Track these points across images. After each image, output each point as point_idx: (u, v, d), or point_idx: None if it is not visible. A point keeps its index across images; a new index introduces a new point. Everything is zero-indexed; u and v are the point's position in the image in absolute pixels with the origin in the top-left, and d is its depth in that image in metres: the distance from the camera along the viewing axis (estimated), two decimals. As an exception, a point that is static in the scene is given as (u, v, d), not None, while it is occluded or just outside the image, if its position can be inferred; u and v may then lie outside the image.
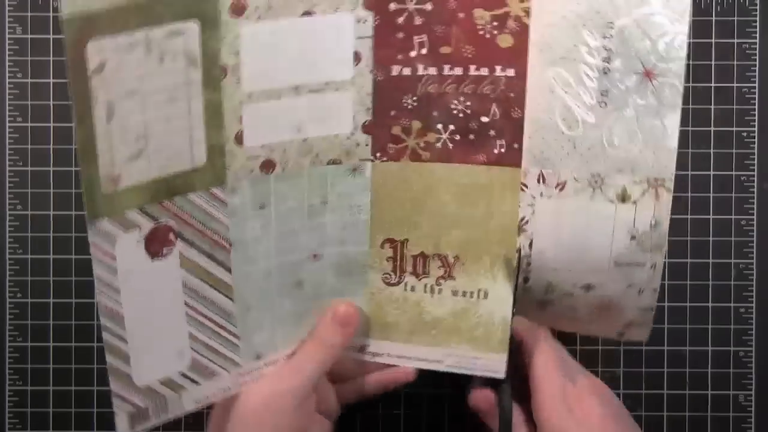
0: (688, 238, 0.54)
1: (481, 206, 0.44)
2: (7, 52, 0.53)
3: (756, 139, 0.53)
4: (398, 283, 0.46)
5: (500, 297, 0.45)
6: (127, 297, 0.40)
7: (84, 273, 0.53)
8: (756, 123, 0.53)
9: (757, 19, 0.53)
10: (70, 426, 0.54)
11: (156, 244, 0.40)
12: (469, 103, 0.43)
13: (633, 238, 0.43)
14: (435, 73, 0.43)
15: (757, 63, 0.53)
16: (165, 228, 0.40)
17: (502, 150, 0.43)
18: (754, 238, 0.54)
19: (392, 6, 0.42)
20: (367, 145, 0.44)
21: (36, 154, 0.53)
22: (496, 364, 0.45)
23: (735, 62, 0.53)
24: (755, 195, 0.54)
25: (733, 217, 0.54)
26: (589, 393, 0.44)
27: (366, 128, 0.44)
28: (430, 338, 0.46)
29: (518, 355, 0.46)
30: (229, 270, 0.43)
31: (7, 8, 0.53)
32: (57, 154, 0.53)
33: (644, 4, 0.41)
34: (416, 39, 0.42)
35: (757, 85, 0.53)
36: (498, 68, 0.42)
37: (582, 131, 0.42)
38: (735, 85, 0.53)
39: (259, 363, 0.45)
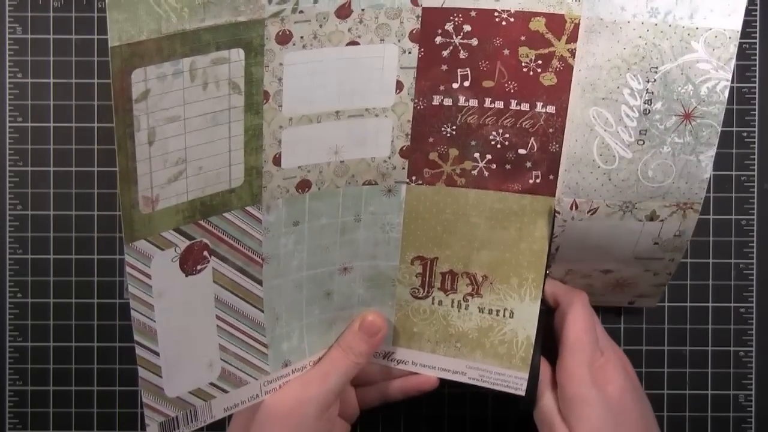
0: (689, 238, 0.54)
1: (512, 230, 0.45)
2: (7, 52, 0.53)
3: (756, 139, 0.53)
4: (426, 296, 0.47)
5: (526, 317, 0.46)
6: (160, 313, 0.41)
7: (84, 273, 0.53)
8: (756, 123, 0.53)
9: (757, 19, 0.53)
10: (70, 426, 0.54)
11: (190, 261, 0.41)
12: (507, 136, 0.44)
13: (656, 243, 0.45)
14: (476, 105, 0.43)
15: (757, 63, 0.53)
16: (200, 246, 0.41)
17: (537, 180, 0.44)
18: (754, 238, 0.54)
19: (438, 39, 0.42)
20: (403, 168, 0.45)
21: (36, 154, 0.53)
22: (517, 381, 0.46)
23: (735, 62, 0.53)
24: (755, 195, 0.54)
25: (733, 217, 0.54)
26: (614, 365, 0.44)
27: (403, 153, 0.44)
28: (454, 350, 0.47)
29: (551, 314, 0.47)
30: (260, 283, 0.44)
31: (7, 8, 0.53)
32: (57, 154, 0.53)
33: (689, 51, 0.41)
34: (459, 72, 0.43)
35: (757, 85, 0.53)
36: (539, 104, 0.43)
37: (618, 165, 0.43)
38: (735, 85, 0.53)
39: (287, 370, 0.45)
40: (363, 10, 0.40)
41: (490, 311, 0.47)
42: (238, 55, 0.39)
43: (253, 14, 0.38)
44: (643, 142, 0.42)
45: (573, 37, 0.41)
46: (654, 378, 0.54)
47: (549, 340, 0.47)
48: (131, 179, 0.38)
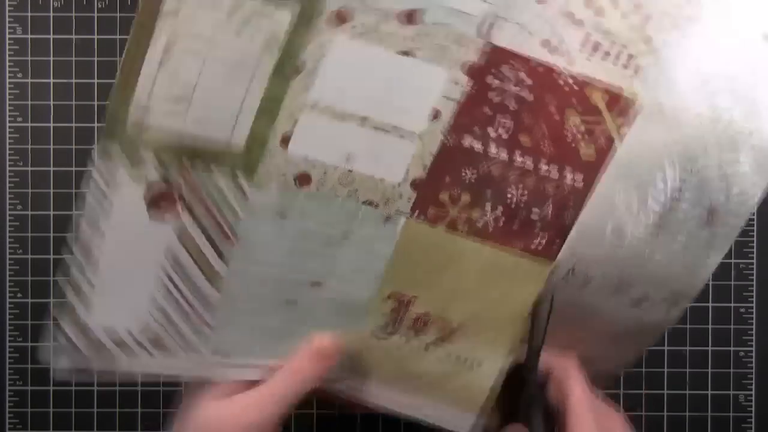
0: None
1: (500, 288, 0.43)
2: (7, 52, 0.53)
3: (756, 139, 0.54)
4: (393, 333, 0.45)
5: (494, 368, 0.44)
6: (109, 245, 0.39)
7: (84, 273, 0.53)
8: (756, 123, 0.53)
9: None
10: (70, 426, 0.54)
11: (161, 206, 0.39)
12: (526, 195, 0.42)
13: (637, 327, 0.44)
14: (505, 158, 0.41)
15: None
16: (175, 194, 0.39)
17: (542, 243, 0.42)
18: (754, 239, 0.54)
19: (492, 81, 0.40)
20: (410, 200, 0.42)
21: (36, 154, 0.53)
22: (463, 422, 0.45)
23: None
24: (755, 195, 0.54)
25: (733, 217, 0.54)
26: (621, 428, 0.44)
27: (415, 184, 0.42)
28: (412, 387, 0.45)
29: (545, 385, 0.46)
30: (226, 262, 0.41)
31: (7, 8, 0.53)
32: (57, 154, 0.53)
33: (734, 154, 0.40)
34: (501, 119, 0.41)
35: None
36: (569, 174, 0.41)
37: (628, 243, 0.42)
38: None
39: (225, 360, 0.43)
40: (431, 23, 0.38)
41: (458, 358, 0.45)
42: (287, 14, 0.37)
43: None
44: (661, 229, 0.41)
45: (625, 116, 0.40)
46: (654, 378, 0.54)
47: (546, 408, 0.46)
48: (128, 90, 0.36)
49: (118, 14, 0.53)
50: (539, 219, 0.42)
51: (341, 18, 0.37)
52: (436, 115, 0.41)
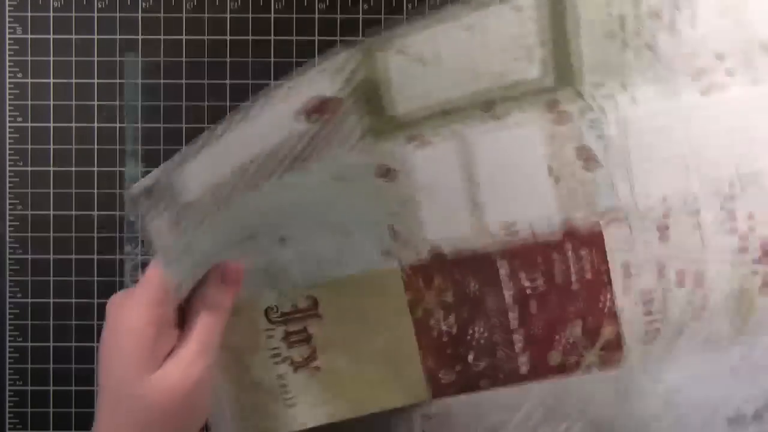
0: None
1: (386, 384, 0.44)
2: (7, 52, 0.53)
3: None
4: (274, 323, 0.44)
5: (301, 421, 0.44)
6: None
7: (84, 273, 0.53)
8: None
9: (757, 19, 0.53)
10: (70, 426, 0.54)
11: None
12: (484, 336, 0.43)
13: None
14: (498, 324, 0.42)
15: (757, 63, 0.53)
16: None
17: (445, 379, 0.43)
18: (754, 238, 0.54)
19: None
20: (419, 259, 0.42)
21: (36, 154, 0.53)
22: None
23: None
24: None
25: (732, 217, 0.54)
26: None
27: (434, 253, 0.42)
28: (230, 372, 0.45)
29: None
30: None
31: (7, 8, 0.53)
32: (57, 154, 0.53)
33: None
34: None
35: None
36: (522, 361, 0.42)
37: None
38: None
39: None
40: None
41: (284, 387, 0.44)
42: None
43: None
44: None
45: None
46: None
47: None
48: None
49: (118, 14, 0.53)
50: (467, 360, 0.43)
51: None
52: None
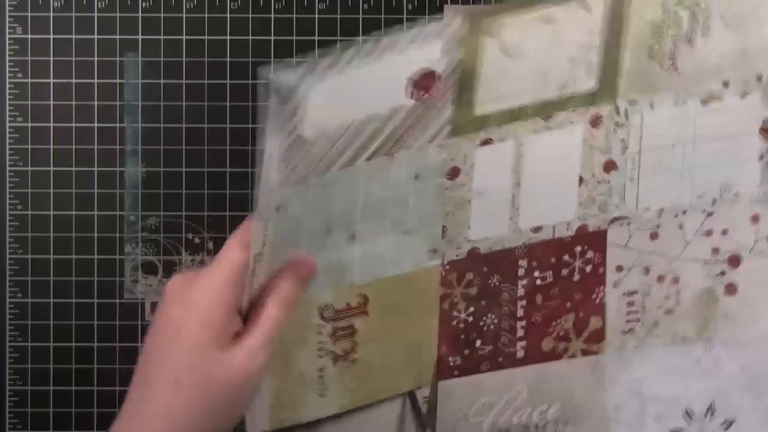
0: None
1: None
2: (7, 52, 0.53)
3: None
4: (326, 320, 0.45)
5: (326, 410, 0.46)
6: None
7: (84, 273, 0.53)
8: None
9: (758, 19, 0.53)
10: (70, 426, 0.54)
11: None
12: (494, 323, 0.44)
13: None
14: (507, 313, 0.44)
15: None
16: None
17: (457, 361, 0.44)
18: (755, 239, 0.54)
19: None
20: (457, 255, 0.44)
21: (36, 154, 0.53)
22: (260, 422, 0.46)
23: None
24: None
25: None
26: None
27: (469, 252, 0.44)
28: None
29: None
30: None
31: (7, 8, 0.53)
32: (57, 154, 0.53)
33: None
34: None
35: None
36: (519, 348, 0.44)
37: None
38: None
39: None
40: None
41: (321, 379, 0.46)
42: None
43: None
44: None
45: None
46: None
47: None
48: None
49: (118, 14, 0.53)
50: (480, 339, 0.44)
51: None
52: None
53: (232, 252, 0.39)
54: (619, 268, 0.43)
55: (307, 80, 0.40)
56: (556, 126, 0.42)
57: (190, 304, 0.38)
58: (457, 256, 0.44)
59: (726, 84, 0.41)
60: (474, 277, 0.44)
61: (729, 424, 0.42)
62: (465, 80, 0.41)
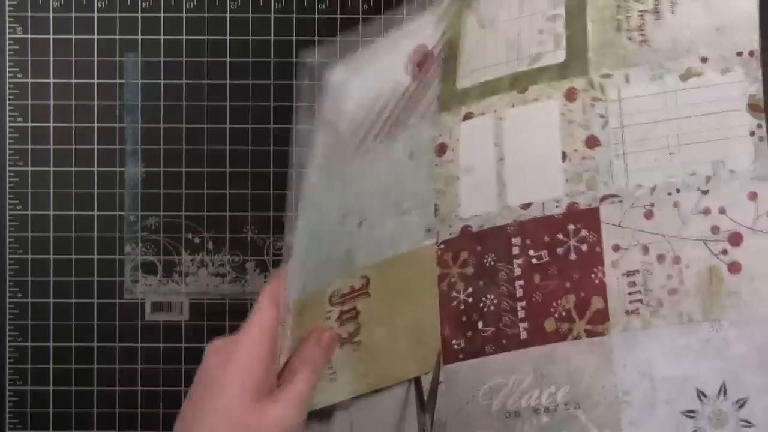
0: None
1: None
2: (7, 52, 0.53)
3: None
4: (334, 305, 0.46)
5: (341, 393, 0.45)
6: None
7: (84, 273, 0.53)
8: (756, 123, 0.53)
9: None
10: (70, 426, 0.54)
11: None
12: (495, 303, 0.44)
13: None
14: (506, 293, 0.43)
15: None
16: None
17: (461, 343, 0.44)
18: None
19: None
20: (450, 234, 0.44)
21: (36, 154, 0.53)
22: None
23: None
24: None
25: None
26: None
27: (462, 230, 0.44)
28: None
29: None
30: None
31: (7, 8, 0.53)
32: (57, 154, 0.53)
33: None
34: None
35: (757, 85, 0.53)
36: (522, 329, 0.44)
37: None
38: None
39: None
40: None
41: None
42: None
43: None
44: None
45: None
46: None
47: None
48: None
49: (118, 14, 0.53)
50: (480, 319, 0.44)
51: None
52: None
53: (263, 309, 0.42)
54: (616, 248, 0.42)
55: (349, 72, 0.41)
56: (532, 99, 0.42)
57: (229, 362, 0.41)
58: (450, 234, 0.44)
59: (704, 60, 0.41)
60: (469, 256, 0.44)
61: (742, 403, 0.42)
62: (450, 55, 0.42)
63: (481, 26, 0.41)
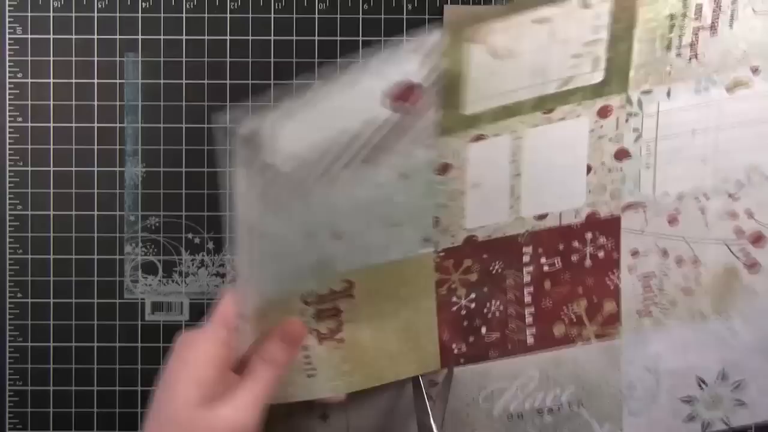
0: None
1: (407, 358, 0.45)
2: (7, 52, 0.53)
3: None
4: (309, 304, 0.45)
5: (319, 390, 0.46)
6: None
7: (84, 273, 0.53)
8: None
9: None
10: (70, 426, 0.54)
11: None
12: (500, 310, 0.44)
13: None
14: (514, 298, 0.44)
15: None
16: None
17: (462, 349, 0.44)
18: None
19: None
20: (452, 243, 0.44)
21: (36, 154, 0.53)
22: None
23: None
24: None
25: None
26: None
27: (466, 240, 0.44)
28: None
29: None
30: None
31: (7, 8, 0.53)
32: (57, 154, 0.53)
33: None
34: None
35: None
36: (528, 334, 0.44)
37: None
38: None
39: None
40: None
41: (307, 358, 0.46)
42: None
43: None
44: None
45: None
46: None
47: None
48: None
49: (118, 14, 0.53)
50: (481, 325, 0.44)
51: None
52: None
53: (224, 312, 0.43)
54: (635, 253, 0.43)
55: (276, 120, 0.40)
56: (558, 118, 0.42)
57: (185, 362, 0.41)
58: (452, 243, 0.44)
59: (755, 70, 0.42)
60: (473, 264, 0.44)
61: (738, 384, 0.43)
62: (450, 86, 0.41)
63: (495, 57, 0.41)
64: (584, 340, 0.43)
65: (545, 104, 0.42)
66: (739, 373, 0.43)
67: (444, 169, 0.43)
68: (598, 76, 0.41)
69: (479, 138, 0.42)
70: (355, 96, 0.40)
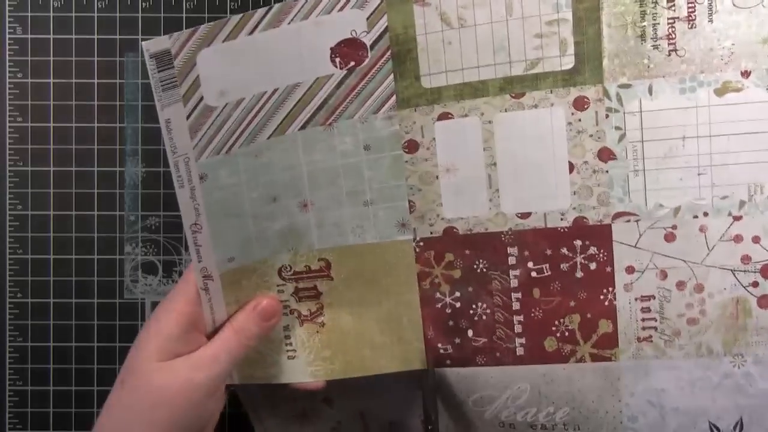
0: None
1: (388, 348, 0.45)
2: (7, 52, 0.53)
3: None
4: (287, 280, 0.45)
5: (297, 374, 0.45)
6: None
7: (84, 273, 0.53)
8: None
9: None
10: (70, 426, 0.54)
11: None
12: (487, 313, 0.44)
13: None
14: (500, 303, 0.43)
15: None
16: None
17: (448, 349, 0.44)
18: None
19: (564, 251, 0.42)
20: (432, 233, 0.43)
21: (36, 154, 0.53)
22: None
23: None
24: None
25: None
26: None
27: (444, 231, 0.43)
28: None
29: None
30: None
31: (7, 8, 0.53)
32: (57, 154, 0.53)
33: None
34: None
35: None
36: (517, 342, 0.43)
37: None
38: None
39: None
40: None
41: (287, 338, 0.46)
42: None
43: None
44: None
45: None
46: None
47: None
48: None
49: (118, 14, 0.53)
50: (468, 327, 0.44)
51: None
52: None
53: (188, 276, 0.43)
54: (630, 270, 0.41)
55: (199, 48, 0.40)
56: (530, 105, 0.40)
57: (156, 319, 0.42)
58: (431, 233, 0.43)
59: (746, 73, 0.39)
60: (455, 259, 0.43)
61: None
62: (402, 51, 0.41)
63: (448, 24, 0.40)
64: (578, 359, 0.41)
65: (512, 87, 0.40)
66: (759, 428, 0.40)
67: (412, 147, 0.42)
68: (568, 62, 0.40)
69: (446, 116, 0.41)
70: (302, 45, 0.40)
